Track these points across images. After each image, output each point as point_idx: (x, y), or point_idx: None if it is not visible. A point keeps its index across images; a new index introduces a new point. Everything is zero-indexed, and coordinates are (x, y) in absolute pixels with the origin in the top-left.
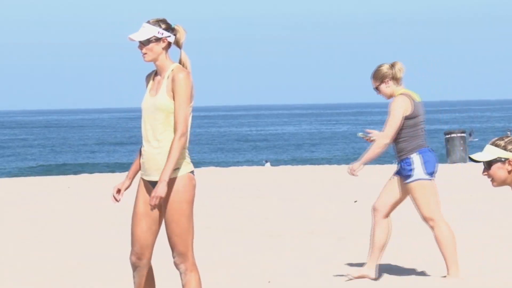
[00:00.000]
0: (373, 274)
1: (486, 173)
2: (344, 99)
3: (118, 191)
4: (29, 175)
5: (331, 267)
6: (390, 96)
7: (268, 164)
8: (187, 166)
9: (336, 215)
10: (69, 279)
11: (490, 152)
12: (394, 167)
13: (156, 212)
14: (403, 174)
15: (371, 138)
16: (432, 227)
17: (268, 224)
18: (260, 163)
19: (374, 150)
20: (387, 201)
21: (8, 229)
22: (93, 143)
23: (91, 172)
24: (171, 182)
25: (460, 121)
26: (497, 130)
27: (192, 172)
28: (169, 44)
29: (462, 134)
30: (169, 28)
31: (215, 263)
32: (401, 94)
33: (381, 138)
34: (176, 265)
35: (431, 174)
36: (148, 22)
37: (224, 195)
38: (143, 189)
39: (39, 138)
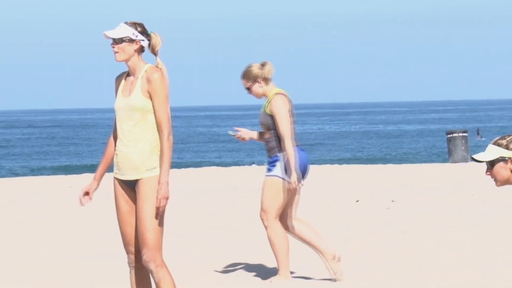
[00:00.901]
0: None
1: (489, 173)
2: (344, 99)
3: (86, 193)
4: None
5: None
6: (262, 96)
7: (254, 165)
8: None
9: (338, 215)
10: (69, 279)
11: (492, 151)
12: (396, 167)
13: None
14: (267, 168)
15: (241, 136)
16: (266, 226)
17: None
18: (261, 162)
19: (291, 153)
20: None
21: (8, 229)
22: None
23: (92, 172)
24: (150, 180)
25: (462, 120)
26: (505, 128)
27: None
28: (142, 48)
29: (464, 134)
30: (145, 33)
31: (216, 263)
32: (276, 93)
33: (285, 141)
34: (146, 263)
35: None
36: (126, 22)
37: (225, 194)
38: (120, 188)
39: (48, 137)
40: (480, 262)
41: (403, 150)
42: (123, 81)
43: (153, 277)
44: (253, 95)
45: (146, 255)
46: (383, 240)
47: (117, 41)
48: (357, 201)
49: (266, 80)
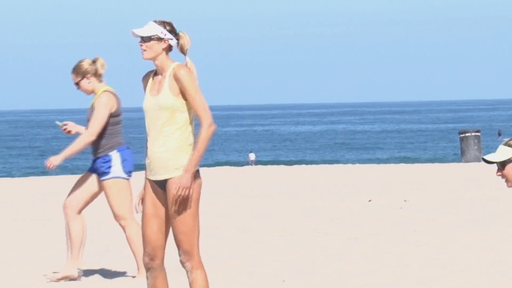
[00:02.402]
0: (75, 273)
1: (500, 173)
2: (344, 99)
3: (142, 200)
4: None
5: (345, 266)
6: (91, 92)
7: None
8: None
9: (350, 214)
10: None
11: (503, 152)
12: (409, 166)
13: (165, 212)
14: (99, 171)
15: (67, 129)
16: (123, 227)
17: (281, 224)
18: (268, 162)
19: (76, 145)
20: (80, 197)
21: (8, 229)
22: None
23: None
24: (177, 180)
25: (464, 120)
26: None
27: (197, 170)
28: (170, 46)
29: (477, 133)
30: (173, 32)
31: (228, 263)
32: (105, 91)
33: (86, 135)
34: (182, 263)
35: (129, 173)
36: (155, 21)
37: (235, 194)
38: (149, 190)
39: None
40: (491, 261)
41: (415, 150)
42: (150, 80)
43: (188, 277)
44: (82, 91)
45: (182, 256)
46: (395, 240)
47: (145, 39)
48: (369, 200)
49: (96, 76)
